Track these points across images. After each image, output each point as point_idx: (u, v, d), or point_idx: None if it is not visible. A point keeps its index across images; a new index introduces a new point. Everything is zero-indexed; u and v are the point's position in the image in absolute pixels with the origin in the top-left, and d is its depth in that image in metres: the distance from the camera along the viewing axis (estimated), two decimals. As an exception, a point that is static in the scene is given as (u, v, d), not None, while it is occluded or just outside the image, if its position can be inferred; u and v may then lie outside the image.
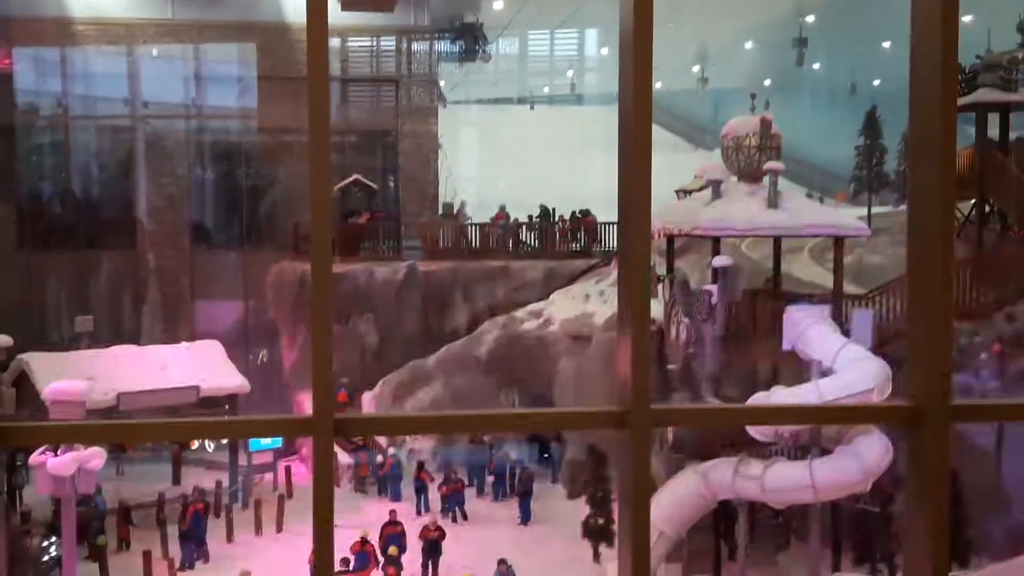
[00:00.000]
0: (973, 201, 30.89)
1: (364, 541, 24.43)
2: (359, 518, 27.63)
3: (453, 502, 30.21)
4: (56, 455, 20.53)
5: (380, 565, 24.78)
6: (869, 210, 38.00)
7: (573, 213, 38.90)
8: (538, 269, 37.11)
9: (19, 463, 24.45)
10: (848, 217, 30.31)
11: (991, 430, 26.64)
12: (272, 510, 29.78)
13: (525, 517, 29.94)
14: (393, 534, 25.89)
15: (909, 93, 3.59)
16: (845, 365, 23.21)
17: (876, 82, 49.53)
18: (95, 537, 25.59)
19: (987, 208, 31.21)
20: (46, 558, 23.78)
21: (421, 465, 32.12)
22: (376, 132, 42.62)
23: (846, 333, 24.55)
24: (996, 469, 26.75)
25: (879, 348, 23.95)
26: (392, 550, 25.19)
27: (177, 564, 25.86)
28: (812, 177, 47.46)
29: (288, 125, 39.16)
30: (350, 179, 38.63)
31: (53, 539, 23.91)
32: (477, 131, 50.29)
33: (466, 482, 32.11)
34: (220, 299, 40.89)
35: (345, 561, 22.93)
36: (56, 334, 38.17)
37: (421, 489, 31.15)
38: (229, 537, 28.76)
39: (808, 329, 24.73)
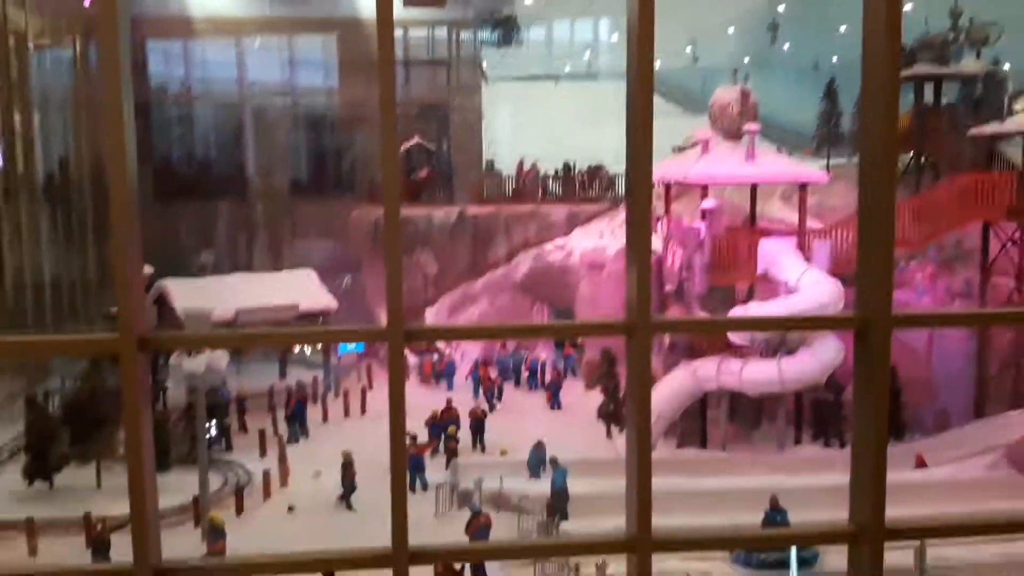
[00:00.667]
0: (911, 154, 30.72)
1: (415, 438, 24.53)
2: (424, 404, 28.02)
3: (490, 394, 30.47)
4: (190, 356, 20.93)
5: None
6: (828, 162, 37.48)
7: (589, 166, 38.69)
8: (561, 212, 37.03)
9: (162, 364, 24.85)
10: (811, 168, 29.99)
11: (923, 335, 26.60)
12: (357, 398, 30.23)
13: (555, 405, 30.19)
14: (450, 417, 26.23)
15: (861, 67, 3.57)
16: (807, 285, 23.15)
17: (834, 59, 48.95)
18: (221, 420, 26.10)
19: (922, 160, 31.06)
20: (208, 436, 24.37)
21: (475, 363, 32.55)
22: (432, 105, 42.39)
23: (808, 260, 24.43)
24: (927, 366, 26.73)
25: (834, 272, 23.86)
26: (451, 429, 25.53)
27: (285, 439, 26.35)
28: (782, 136, 46.94)
29: (363, 100, 39.19)
30: (412, 142, 38.49)
31: (212, 421, 24.43)
32: (513, 103, 49.98)
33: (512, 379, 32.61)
34: (313, 238, 41.17)
35: (413, 437, 23.19)
36: (187, 265, 38.64)
37: (478, 380, 31.49)
38: (324, 419, 29.25)
39: (778, 257, 24.63)
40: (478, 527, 18.29)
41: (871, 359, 4.52)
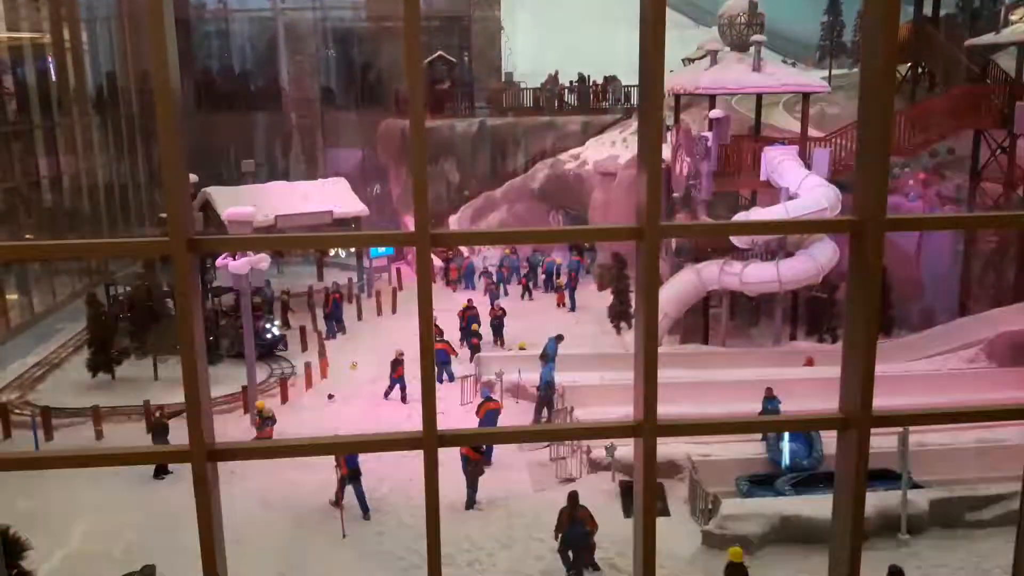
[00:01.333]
0: (909, 65, 29.86)
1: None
2: (448, 305, 28.27)
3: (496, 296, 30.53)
4: (235, 259, 21.07)
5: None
6: (830, 72, 36.56)
7: (603, 78, 37.91)
8: (576, 122, 36.47)
9: (209, 266, 25.07)
10: (813, 78, 29.22)
11: (914, 238, 26.39)
12: (388, 298, 30.52)
13: (572, 306, 30.31)
14: (472, 315, 26.45)
15: (865, -20, 3.44)
16: (807, 191, 22.89)
17: (838, -28, 47.44)
18: (265, 317, 26.44)
19: (920, 70, 30.21)
20: (268, 336, 24.64)
21: (500, 262, 32.79)
22: (453, 17, 41.41)
23: (809, 167, 24.10)
24: (915, 267, 26.59)
25: (833, 178, 23.56)
26: (474, 327, 25.79)
27: (323, 336, 26.74)
28: (787, 47, 45.74)
29: (388, 14, 38.35)
30: (435, 55, 37.78)
31: (276, 321, 24.50)
32: (530, 15, 48.61)
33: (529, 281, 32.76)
34: (344, 147, 40.89)
35: (440, 333, 23.38)
36: (228, 173, 38.60)
37: (500, 280, 31.65)
38: (359, 316, 29.60)
39: (780, 164, 24.30)
40: (486, 411, 18.73)
41: (865, 259, 4.50)
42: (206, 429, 5.39)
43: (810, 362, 22.91)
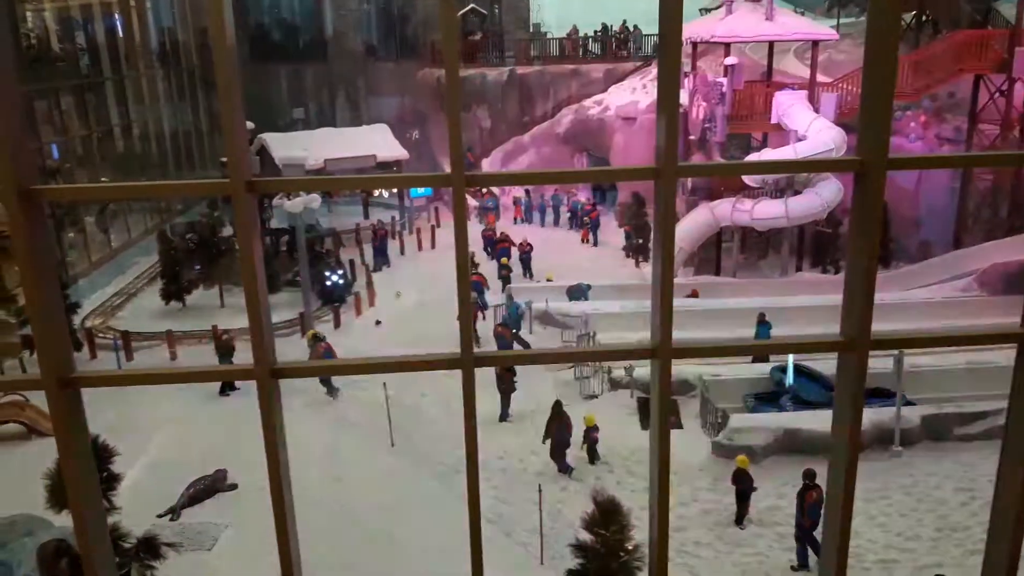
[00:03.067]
0: (913, 12, 28.76)
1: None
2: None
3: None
4: (289, 199, 21.14)
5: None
6: (838, 21, 35.26)
7: (624, 27, 36.92)
8: (600, 70, 35.69)
9: (266, 205, 25.22)
10: (822, 26, 28.26)
11: (914, 177, 25.83)
12: (427, 235, 30.57)
13: (594, 242, 30.17)
14: (504, 248, 26.46)
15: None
16: (815, 133, 22.38)
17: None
18: (316, 250, 26.50)
19: (923, 17, 29.09)
20: (328, 283, 24.01)
21: (541, 196, 32.96)
22: (485, -28, 40.40)
23: (817, 111, 23.51)
24: (915, 203, 26.06)
25: (839, 121, 23.00)
26: (504, 260, 25.82)
27: (371, 268, 26.93)
28: (797, -3, 44.22)
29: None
30: (467, 7, 37.00)
31: (340, 271, 24.44)
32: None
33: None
34: (385, 95, 40.47)
35: (475, 265, 23.42)
36: (280, 120, 38.49)
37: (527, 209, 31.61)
38: (402, 251, 29.75)
39: (790, 108, 23.73)
40: (499, 333, 19.04)
41: (867, 197, 4.43)
42: (268, 350, 5.49)
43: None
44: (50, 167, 26.53)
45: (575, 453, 15.06)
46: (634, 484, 13.96)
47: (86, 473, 6.45)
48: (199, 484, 14.02)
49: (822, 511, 11.88)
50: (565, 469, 14.81)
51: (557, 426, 14.79)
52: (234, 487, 14.20)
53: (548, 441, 14.96)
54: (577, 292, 23.11)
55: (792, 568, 12.12)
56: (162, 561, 10.78)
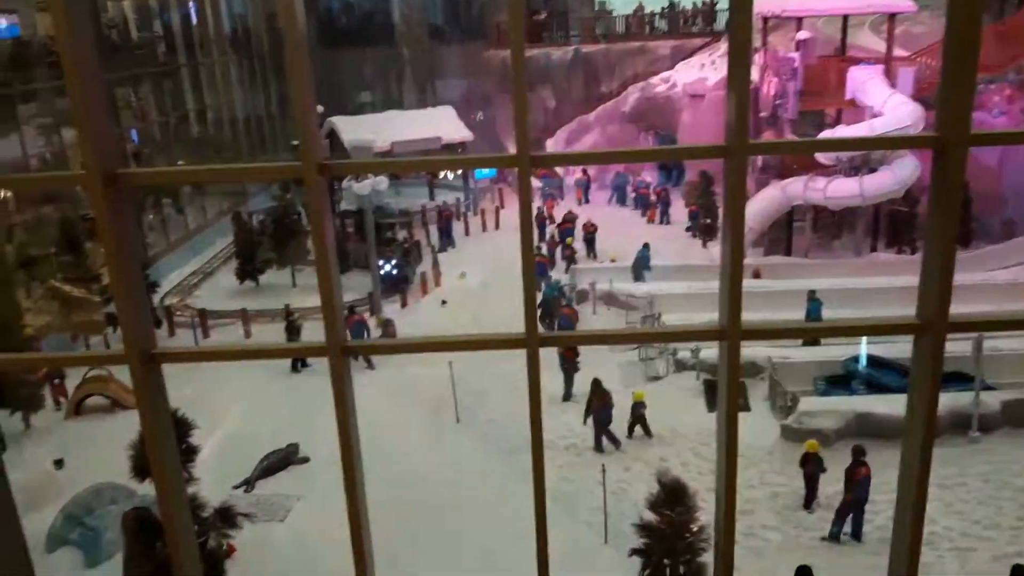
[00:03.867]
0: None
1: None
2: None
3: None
4: (358, 181, 21.47)
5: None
6: (918, -10, 33.85)
7: (694, 4, 36.12)
8: (667, 47, 35.04)
9: (336, 187, 25.63)
10: (901, -3, 27.15)
11: (997, 153, 24.70)
12: (491, 216, 30.67)
13: (665, 220, 29.73)
14: (567, 228, 26.39)
15: None
16: (891, 109, 21.58)
17: None
18: (387, 232, 26.78)
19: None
20: (382, 272, 23.75)
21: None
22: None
23: (893, 86, 22.65)
24: (998, 181, 24.91)
25: (917, 96, 22.12)
26: (569, 240, 25.76)
27: (436, 249, 27.17)
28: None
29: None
30: (533, -13, 36.79)
31: (392, 260, 24.14)
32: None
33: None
34: (450, 78, 40.59)
35: (538, 247, 23.50)
36: (349, 103, 38.99)
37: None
38: (466, 232, 29.91)
39: (866, 83, 22.92)
40: (561, 315, 19.02)
41: (946, 175, 4.26)
42: (339, 328, 5.60)
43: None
44: (131, 152, 27.48)
45: (622, 429, 15.09)
46: (700, 466, 13.83)
47: (167, 444, 6.72)
48: (272, 457, 14.48)
49: (869, 487, 11.80)
50: (601, 446, 15.04)
51: (598, 404, 14.86)
52: (306, 460, 14.61)
53: (590, 419, 15.17)
54: (640, 264, 22.88)
55: (822, 539, 12.15)
56: (237, 530, 11.19)
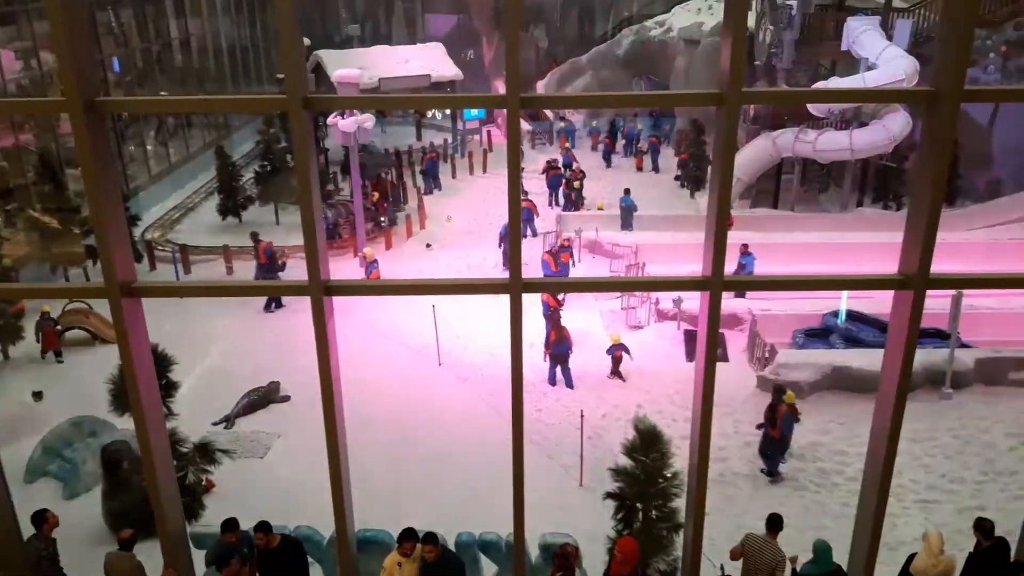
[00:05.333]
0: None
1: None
2: (535, 165, 28.05)
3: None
4: (343, 118, 21.14)
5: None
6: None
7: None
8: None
9: (320, 123, 25.24)
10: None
11: (988, 111, 24.67)
12: (479, 159, 30.40)
13: (655, 169, 29.55)
14: (556, 176, 26.24)
15: None
16: (886, 62, 21.41)
17: None
18: (373, 171, 26.53)
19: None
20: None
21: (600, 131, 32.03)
22: None
23: (889, 38, 22.42)
24: (987, 139, 24.92)
25: (912, 49, 21.93)
26: (576, 184, 25.59)
27: (422, 191, 26.97)
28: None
29: None
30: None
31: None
32: None
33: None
34: (441, 13, 39.76)
35: (525, 192, 23.32)
36: (336, 37, 38.18)
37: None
38: (453, 175, 29.65)
39: (861, 34, 22.66)
40: (546, 259, 19.09)
41: (938, 129, 4.26)
42: (322, 267, 5.58)
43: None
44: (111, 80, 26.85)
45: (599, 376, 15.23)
46: (675, 414, 14.05)
47: (147, 379, 6.75)
48: (253, 395, 14.55)
49: (792, 425, 12.29)
50: (554, 380, 15.44)
51: (554, 339, 15.13)
52: (287, 399, 14.70)
53: (549, 356, 15.50)
54: (626, 212, 22.84)
55: (763, 471, 12.64)
56: (217, 466, 11.30)
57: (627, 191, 23.25)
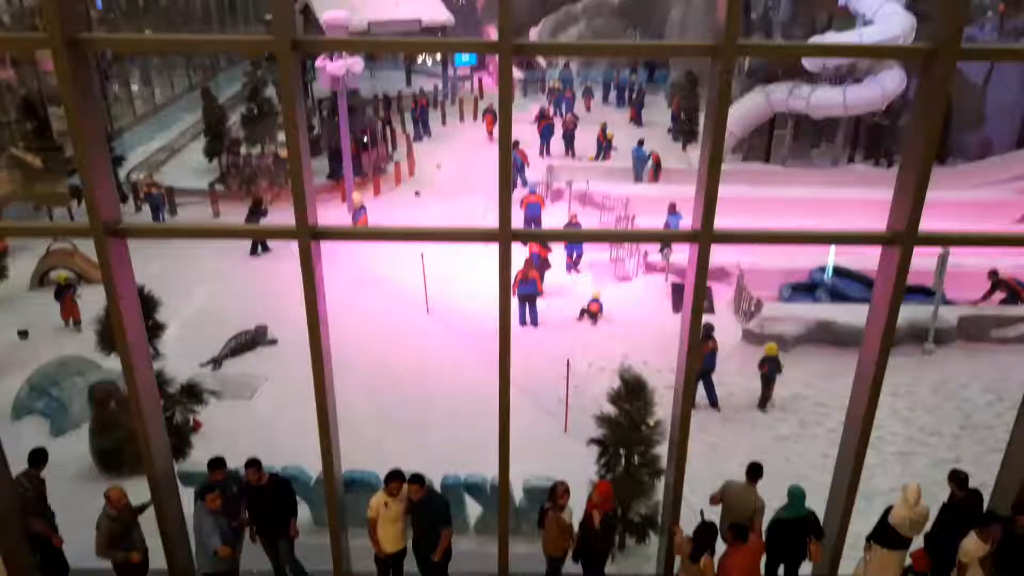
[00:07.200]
0: None
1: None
2: (527, 115, 27.76)
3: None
4: (332, 61, 20.75)
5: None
6: None
7: None
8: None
9: (308, 67, 24.79)
10: None
11: (983, 70, 24.52)
12: (470, 106, 30.03)
13: (639, 122, 29.29)
14: (547, 125, 26.00)
15: None
16: (883, 17, 21.16)
17: None
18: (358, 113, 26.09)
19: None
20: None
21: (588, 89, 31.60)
22: None
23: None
24: (980, 98, 24.82)
25: (910, 5, 21.66)
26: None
27: (411, 137, 26.67)
28: None
29: None
30: None
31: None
32: None
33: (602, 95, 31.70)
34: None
35: (515, 142, 23.11)
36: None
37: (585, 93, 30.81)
38: (443, 122, 29.34)
39: (858, -12, 22.36)
40: (528, 203, 19.00)
41: (933, 87, 4.23)
42: (310, 212, 5.55)
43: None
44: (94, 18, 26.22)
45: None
46: (660, 364, 14.18)
47: (132, 319, 6.72)
48: (241, 337, 14.55)
49: (715, 360, 12.84)
50: (524, 320, 15.78)
51: (522, 279, 15.46)
52: (274, 342, 14.72)
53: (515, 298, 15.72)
54: (639, 163, 22.77)
55: (711, 404, 13.41)
56: (204, 407, 11.36)
57: (641, 142, 23.10)
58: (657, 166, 22.87)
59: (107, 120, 24.02)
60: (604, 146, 24.98)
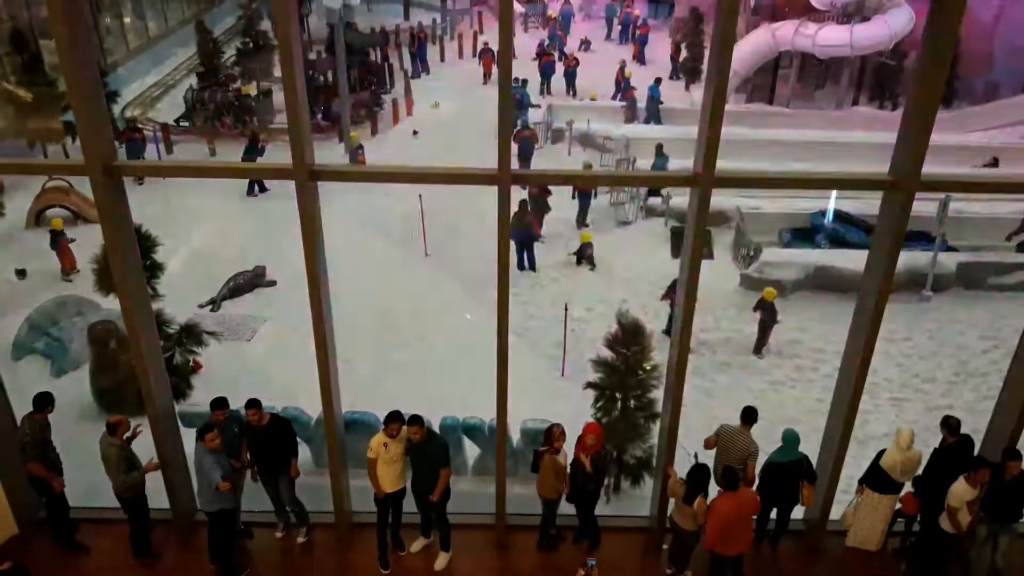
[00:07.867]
0: None
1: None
2: (525, 51, 27.27)
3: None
4: None
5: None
6: None
7: None
8: None
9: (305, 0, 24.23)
10: None
11: (994, 9, 24.05)
12: (469, 41, 29.48)
13: (641, 60, 28.76)
14: (548, 62, 25.60)
15: None
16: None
17: None
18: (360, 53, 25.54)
19: None
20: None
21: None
22: None
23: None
24: (989, 40, 24.38)
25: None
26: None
27: (409, 74, 26.24)
28: None
29: None
30: None
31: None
32: None
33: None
34: None
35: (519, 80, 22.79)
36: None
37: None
38: (442, 58, 28.86)
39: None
40: (522, 137, 18.79)
41: (942, 26, 4.13)
42: (307, 150, 5.48)
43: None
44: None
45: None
46: (658, 309, 14.24)
47: (130, 259, 6.70)
48: (239, 278, 14.56)
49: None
50: (523, 265, 15.79)
51: (516, 224, 15.18)
52: (273, 283, 14.74)
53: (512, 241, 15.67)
54: (653, 103, 22.53)
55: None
56: (203, 347, 11.43)
57: (658, 80, 22.77)
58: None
59: (100, 54, 23.54)
60: (624, 86, 24.59)
